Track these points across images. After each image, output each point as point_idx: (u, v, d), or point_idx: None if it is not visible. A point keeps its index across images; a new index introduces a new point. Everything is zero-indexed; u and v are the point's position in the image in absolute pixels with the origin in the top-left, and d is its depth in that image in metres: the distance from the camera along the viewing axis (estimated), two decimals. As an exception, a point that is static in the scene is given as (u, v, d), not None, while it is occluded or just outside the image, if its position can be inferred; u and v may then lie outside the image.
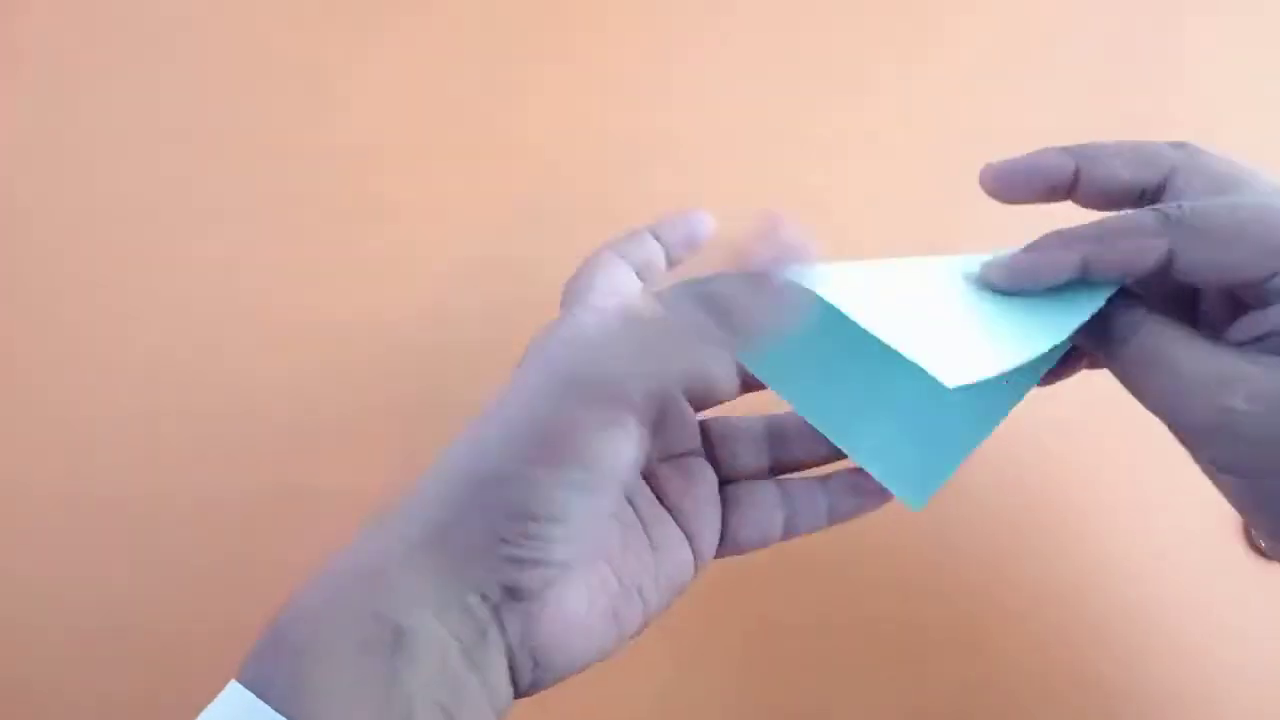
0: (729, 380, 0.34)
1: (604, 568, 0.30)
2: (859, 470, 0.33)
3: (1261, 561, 0.42)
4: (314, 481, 0.43)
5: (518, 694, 0.28)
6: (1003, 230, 0.48)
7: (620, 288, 0.32)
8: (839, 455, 0.33)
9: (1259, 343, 0.28)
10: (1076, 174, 0.31)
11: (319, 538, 0.42)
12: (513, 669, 0.28)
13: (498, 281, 0.46)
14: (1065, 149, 0.31)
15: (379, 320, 0.46)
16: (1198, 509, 0.42)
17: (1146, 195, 0.31)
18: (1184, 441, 0.29)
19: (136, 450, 0.44)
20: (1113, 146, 0.31)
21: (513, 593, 0.27)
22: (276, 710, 0.25)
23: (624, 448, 0.27)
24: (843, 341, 0.30)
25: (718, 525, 0.32)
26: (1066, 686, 0.42)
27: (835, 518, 0.33)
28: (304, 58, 0.49)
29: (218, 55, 0.49)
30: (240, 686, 0.26)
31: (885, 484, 0.32)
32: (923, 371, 0.25)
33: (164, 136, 0.48)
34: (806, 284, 0.26)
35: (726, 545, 0.33)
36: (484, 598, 0.27)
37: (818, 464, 0.35)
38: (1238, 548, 0.42)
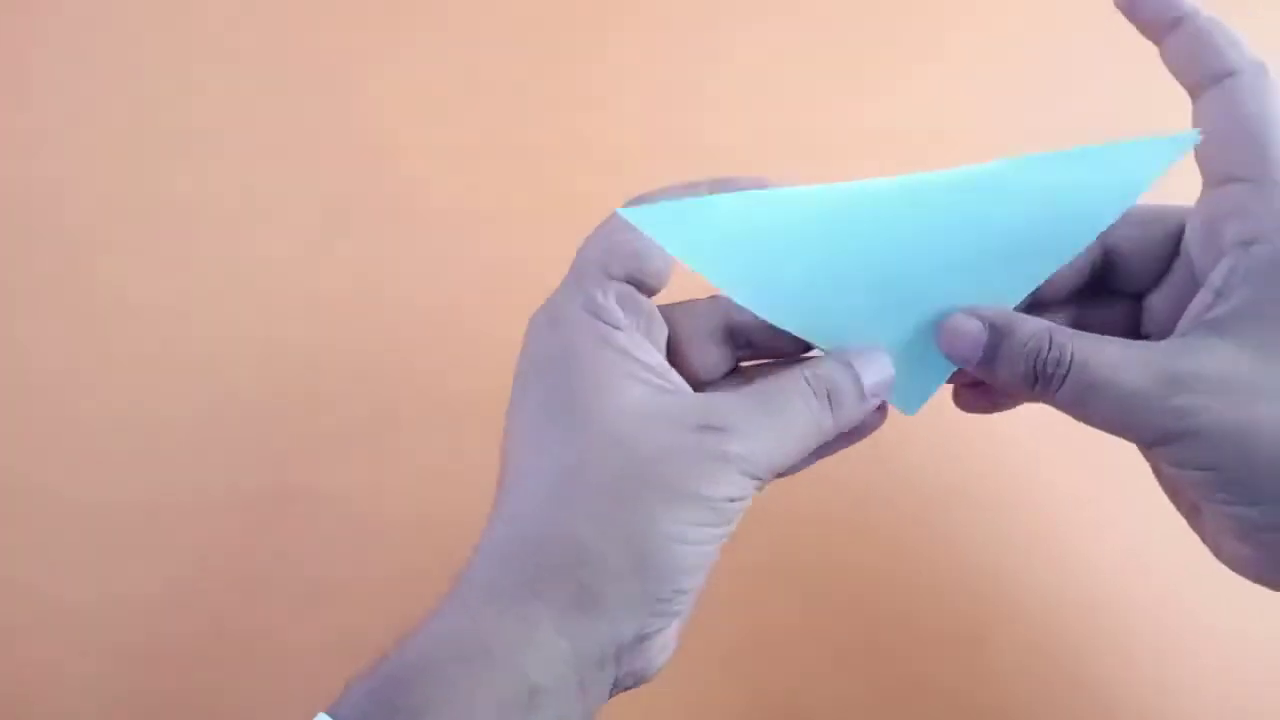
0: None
1: None
2: None
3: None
4: (315, 482, 0.43)
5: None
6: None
7: (630, 266, 0.30)
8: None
9: (1205, 328, 0.28)
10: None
11: (321, 538, 0.43)
12: (612, 690, 0.29)
13: (504, 282, 0.46)
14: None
15: (381, 321, 0.46)
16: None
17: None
18: (1148, 454, 0.29)
19: (137, 451, 0.44)
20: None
21: (644, 638, 0.28)
22: None
23: (749, 502, 0.28)
24: (822, 259, 0.30)
25: None
26: (1065, 686, 0.42)
27: (823, 454, 0.32)
28: (320, 58, 0.49)
29: (228, 56, 0.49)
30: None
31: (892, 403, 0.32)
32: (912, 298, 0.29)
33: (164, 138, 0.48)
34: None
35: None
36: (619, 648, 0.27)
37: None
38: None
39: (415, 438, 0.44)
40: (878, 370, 0.30)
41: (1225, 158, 0.29)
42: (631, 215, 0.28)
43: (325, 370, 0.45)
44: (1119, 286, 0.32)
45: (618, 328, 0.29)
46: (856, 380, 0.30)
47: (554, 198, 0.47)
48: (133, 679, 0.41)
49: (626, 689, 0.29)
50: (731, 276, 0.29)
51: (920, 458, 0.44)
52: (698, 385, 0.31)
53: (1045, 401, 0.29)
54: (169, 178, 0.48)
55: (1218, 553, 0.30)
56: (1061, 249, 0.30)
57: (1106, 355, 0.28)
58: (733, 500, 0.28)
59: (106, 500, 0.43)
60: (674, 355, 0.31)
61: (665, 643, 0.29)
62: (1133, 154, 0.29)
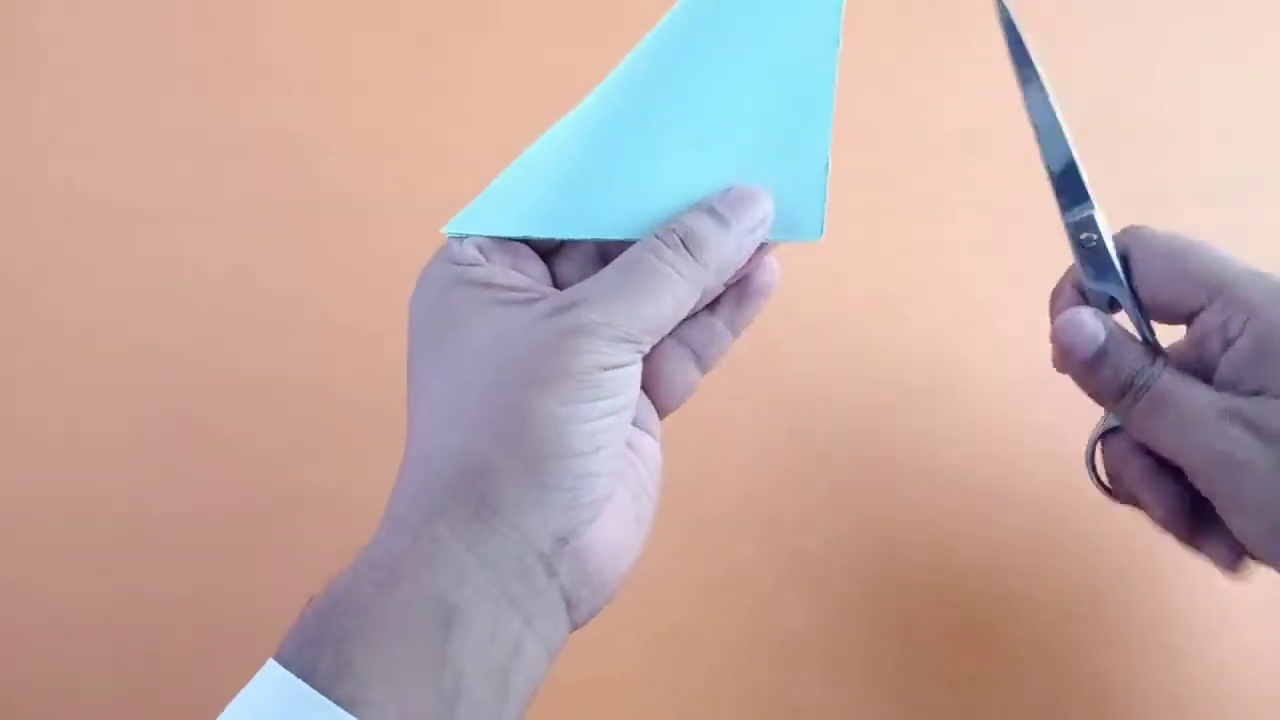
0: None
1: (620, 486, 0.30)
2: (735, 285, 0.33)
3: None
4: (316, 482, 0.44)
5: (574, 627, 0.29)
6: (1002, 234, 0.48)
7: None
8: None
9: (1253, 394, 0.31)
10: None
11: (323, 538, 0.43)
12: (569, 608, 0.29)
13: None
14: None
15: (382, 321, 0.46)
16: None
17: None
18: (1196, 481, 0.31)
19: (138, 452, 0.44)
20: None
21: (565, 539, 0.28)
22: (318, 691, 0.25)
23: (636, 373, 0.29)
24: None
25: (650, 403, 0.33)
26: (1063, 686, 0.42)
27: (737, 331, 0.33)
28: (308, 60, 0.50)
29: (216, 58, 0.50)
30: (279, 665, 0.26)
31: (779, 239, 0.32)
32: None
33: (160, 140, 0.49)
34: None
35: (663, 411, 0.33)
36: (539, 554, 0.27)
37: None
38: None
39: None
40: (739, 196, 0.31)
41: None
42: (453, 227, 0.31)
43: (325, 370, 0.45)
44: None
45: (475, 265, 0.30)
46: (716, 216, 0.30)
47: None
48: (134, 681, 0.42)
49: (592, 611, 0.29)
50: (542, 221, 0.31)
51: (921, 456, 0.44)
52: None
53: (1114, 410, 0.33)
54: (165, 182, 0.48)
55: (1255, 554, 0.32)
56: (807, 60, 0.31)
57: (1182, 387, 0.31)
58: (605, 368, 0.28)
59: (106, 502, 0.44)
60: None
61: (608, 547, 0.29)
62: None
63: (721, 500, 0.43)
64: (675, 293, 0.29)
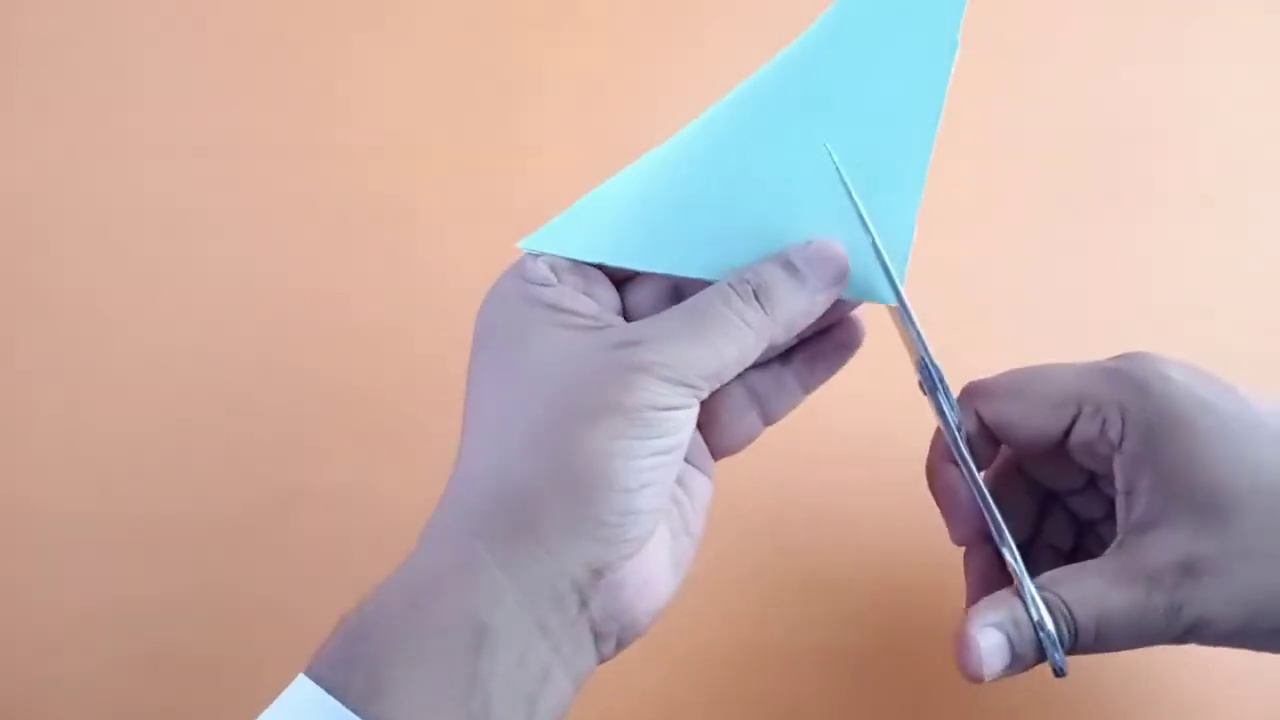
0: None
1: (661, 524, 0.30)
2: (812, 338, 0.32)
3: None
4: (316, 483, 0.43)
5: (601, 660, 0.29)
6: (1008, 235, 0.48)
7: None
8: None
9: (1139, 528, 0.30)
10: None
11: (324, 538, 0.43)
12: (597, 640, 0.28)
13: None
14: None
15: (382, 322, 0.46)
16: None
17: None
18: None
19: (139, 453, 0.44)
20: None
21: (600, 572, 0.27)
22: (352, 710, 0.25)
23: (691, 417, 0.29)
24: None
25: (704, 445, 0.33)
26: (1062, 686, 0.42)
27: (809, 387, 0.33)
28: (309, 59, 0.49)
29: (217, 58, 0.49)
30: (309, 681, 0.26)
31: (854, 298, 0.31)
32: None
33: (163, 142, 0.48)
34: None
35: (719, 453, 0.33)
36: (573, 583, 0.27)
37: None
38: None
39: (418, 437, 0.44)
40: (817, 252, 0.30)
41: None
42: (530, 244, 0.31)
43: (325, 370, 0.45)
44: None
45: (546, 285, 0.30)
46: (792, 270, 0.30)
47: (553, 203, 0.47)
48: (135, 683, 0.41)
49: (621, 645, 0.29)
50: (620, 250, 0.31)
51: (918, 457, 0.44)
52: None
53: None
54: (167, 183, 0.47)
55: None
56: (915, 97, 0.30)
57: (1089, 590, 0.30)
58: (659, 409, 0.27)
59: (106, 505, 0.43)
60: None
61: (643, 584, 0.29)
62: None
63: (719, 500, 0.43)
64: (740, 343, 0.29)
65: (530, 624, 0.27)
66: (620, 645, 0.29)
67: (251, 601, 0.42)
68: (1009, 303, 0.47)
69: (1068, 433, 0.32)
